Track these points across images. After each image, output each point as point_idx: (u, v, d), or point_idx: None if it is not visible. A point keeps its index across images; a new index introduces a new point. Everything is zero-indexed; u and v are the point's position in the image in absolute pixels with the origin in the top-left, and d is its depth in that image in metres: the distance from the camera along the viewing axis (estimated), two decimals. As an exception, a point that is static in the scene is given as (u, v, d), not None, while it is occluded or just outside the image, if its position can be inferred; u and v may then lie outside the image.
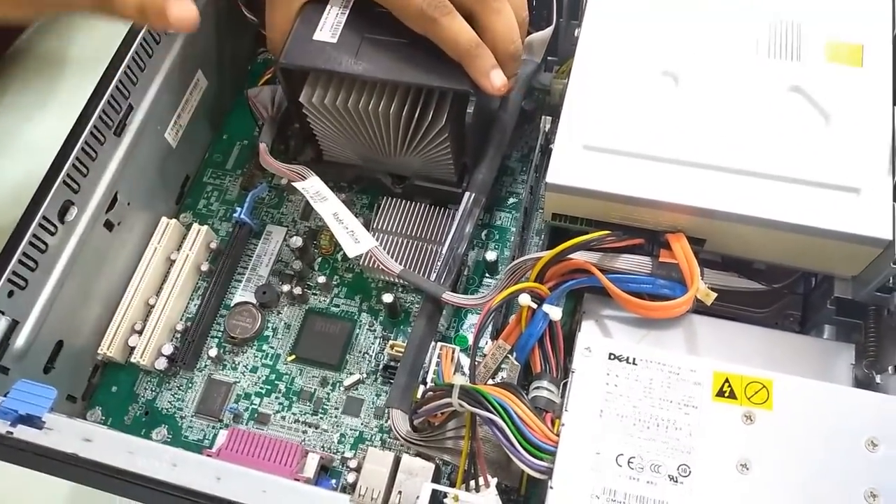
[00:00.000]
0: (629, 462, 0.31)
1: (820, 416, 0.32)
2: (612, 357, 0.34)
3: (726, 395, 0.33)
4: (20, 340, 0.39)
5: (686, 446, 0.32)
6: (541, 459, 0.32)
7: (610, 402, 0.33)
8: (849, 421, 0.31)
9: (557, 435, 0.33)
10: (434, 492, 0.32)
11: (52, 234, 0.40)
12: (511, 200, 0.50)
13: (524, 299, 0.38)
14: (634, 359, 0.34)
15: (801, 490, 0.30)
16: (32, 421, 0.34)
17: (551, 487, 0.31)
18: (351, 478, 0.41)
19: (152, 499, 0.32)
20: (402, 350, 0.43)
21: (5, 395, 0.35)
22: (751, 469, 0.31)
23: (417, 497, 0.32)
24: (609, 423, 0.32)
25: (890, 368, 0.36)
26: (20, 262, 0.38)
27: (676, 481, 0.31)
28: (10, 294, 0.38)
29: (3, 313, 0.38)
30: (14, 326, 0.39)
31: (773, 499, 0.30)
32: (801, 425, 0.32)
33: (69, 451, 0.33)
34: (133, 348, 0.45)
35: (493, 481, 0.35)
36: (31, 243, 0.39)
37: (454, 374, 0.43)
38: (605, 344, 0.34)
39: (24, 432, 0.34)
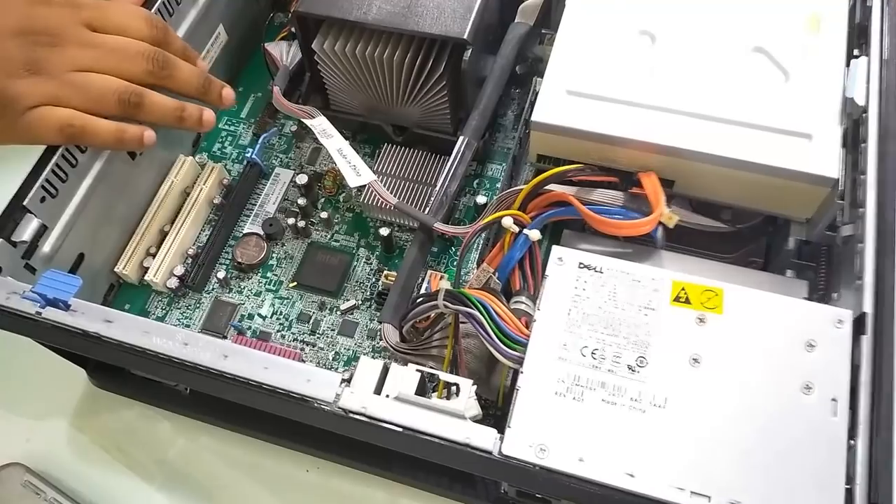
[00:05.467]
0: (592, 353, 0.35)
1: (765, 321, 0.35)
2: (582, 266, 0.38)
3: (682, 300, 0.36)
4: (47, 246, 0.43)
5: (644, 342, 0.35)
6: (514, 350, 0.36)
7: (577, 304, 0.37)
8: (791, 326, 0.35)
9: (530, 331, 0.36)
10: (422, 376, 0.35)
11: (83, 151, 0.44)
12: (502, 154, 0.54)
13: (507, 222, 0.42)
14: (602, 268, 0.38)
15: (746, 382, 0.34)
16: (59, 304, 0.38)
17: (522, 372, 0.35)
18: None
19: (166, 373, 0.36)
20: (395, 278, 0.46)
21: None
22: (701, 363, 0.35)
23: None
24: (575, 320, 0.36)
25: (834, 295, 0.40)
26: (53, 171, 0.42)
27: (634, 370, 0.35)
28: (42, 200, 0.42)
29: (35, 215, 0.42)
30: (43, 231, 0.43)
31: (721, 388, 0.34)
32: (748, 328, 0.35)
33: (92, 330, 0.37)
34: (147, 269, 0.49)
35: (471, 383, 0.39)
36: (63, 156, 0.43)
37: (440, 281, 0.46)
38: (575, 255, 0.38)
39: (51, 313, 0.38)
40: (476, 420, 0.35)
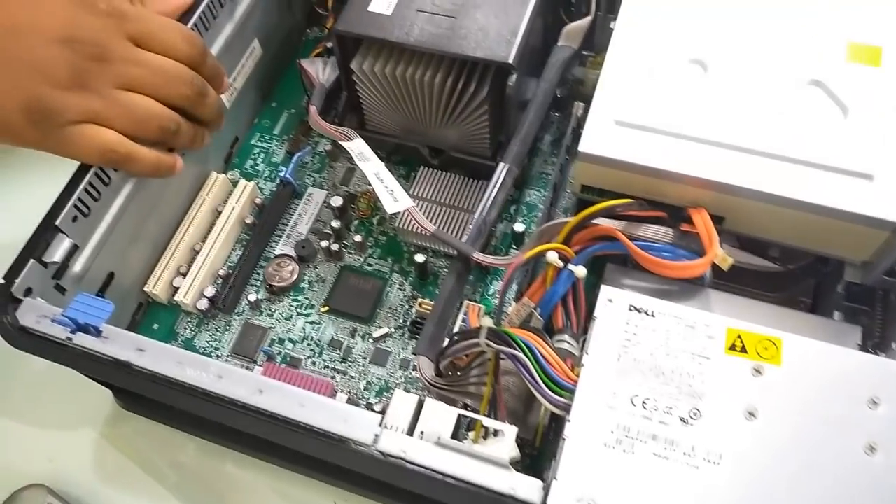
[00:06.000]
0: (643, 403, 0.34)
1: (826, 374, 0.34)
2: (633, 308, 0.36)
3: (738, 349, 0.35)
4: (78, 265, 0.42)
5: (697, 392, 0.34)
6: (560, 396, 0.35)
7: (628, 349, 0.35)
8: (853, 380, 0.33)
9: (577, 376, 0.35)
10: (459, 418, 0.34)
11: (116, 169, 0.43)
12: (540, 180, 0.53)
13: (552, 256, 0.40)
14: (654, 311, 0.36)
15: (804, 438, 0.32)
16: (90, 330, 0.37)
17: (569, 421, 0.33)
18: (374, 421, 0.43)
19: (199, 407, 0.35)
20: (430, 307, 0.45)
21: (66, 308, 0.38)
22: (757, 417, 0.33)
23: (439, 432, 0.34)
24: (626, 366, 0.35)
25: (893, 345, 0.38)
26: (86, 190, 0.41)
27: (686, 423, 0.33)
28: (75, 219, 0.41)
29: (67, 235, 0.41)
30: (74, 250, 0.42)
31: (778, 444, 0.32)
32: (808, 380, 0.34)
33: (123, 358, 0.36)
34: (177, 288, 0.48)
35: (515, 431, 0.37)
36: (97, 175, 0.42)
37: (481, 318, 0.45)
38: (626, 296, 0.37)
39: (82, 339, 0.37)
40: (514, 462, 0.33)
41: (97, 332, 0.37)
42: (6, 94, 0.37)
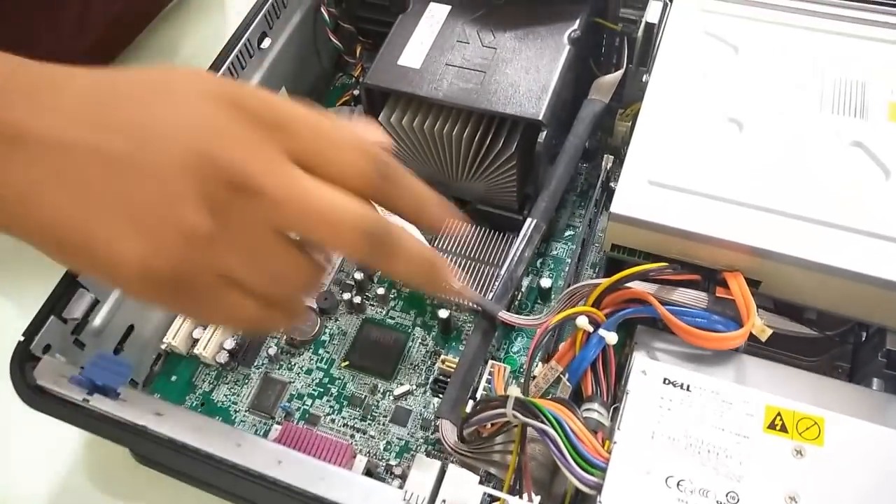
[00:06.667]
0: (678, 484, 0.32)
1: (871, 457, 0.32)
2: (667, 382, 0.35)
3: (778, 427, 0.33)
4: (98, 319, 0.42)
5: (735, 474, 0.32)
6: (591, 474, 0.33)
7: (662, 425, 0.34)
8: (900, 465, 0.32)
9: (609, 452, 0.34)
10: (485, 495, 0.33)
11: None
12: (568, 233, 0.52)
13: (582, 321, 0.39)
14: (689, 385, 0.35)
15: (848, 528, 0.31)
16: (108, 392, 0.36)
17: (600, 502, 0.32)
18: (394, 485, 0.42)
19: (216, 477, 0.34)
20: (453, 365, 0.44)
21: (84, 367, 0.37)
22: (799, 502, 0.31)
23: None
24: (660, 444, 0.33)
25: (940, 421, 0.36)
26: (109, 244, 0.41)
27: (724, 507, 0.31)
28: (97, 273, 0.41)
29: (88, 290, 0.40)
30: (95, 304, 0.41)
31: (821, 533, 0.31)
32: (852, 464, 0.32)
33: (140, 422, 0.35)
34: (196, 340, 0.47)
35: (537, 499, 0.36)
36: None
37: (508, 386, 0.43)
38: (660, 369, 0.35)
39: (99, 401, 0.36)
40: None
41: (115, 395, 0.36)
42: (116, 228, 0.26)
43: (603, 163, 0.51)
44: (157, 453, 0.35)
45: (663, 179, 0.40)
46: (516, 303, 0.49)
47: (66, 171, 0.26)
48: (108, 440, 0.35)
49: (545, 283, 0.48)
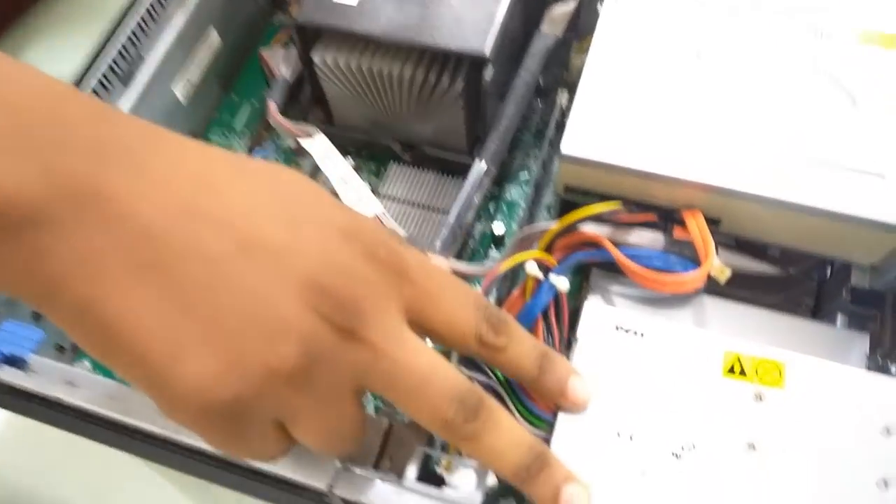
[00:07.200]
0: (630, 436, 0.30)
1: (834, 400, 0.30)
2: (619, 329, 0.33)
3: (736, 372, 0.31)
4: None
5: (692, 422, 0.30)
6: (538, 427, 0.31)
7: (614, 375, 0.32)
8: (864, 406, 0.30)
9: (558, 405, 0.32)
10: (426, 456, 0.31)
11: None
12: (522, 175, 0.49)
13: (531, 267, 0.36)
14: (642, 332, 0.33)
15: (810, 473, 0.29)
16: (16, 362, 0.33)
17: (549, 457, 0.30)
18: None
19: (140, 449, 0.31)
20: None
21: (-12, 337, 0.34)
22: (758, 449, 0.30)
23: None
24: (611, 395, 0.31)
25: (906, 357, 0.35)
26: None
27: (679, 457, 0.30)
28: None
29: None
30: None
31: (781, 480, 0.29)
32: (814, 407, 0.30)
33: (53, 395, 0.32)
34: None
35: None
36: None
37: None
38: (612, 315, 0.33)
39: (6, 373, 0.33)
40: (492, 491, 0.30)
41: (24, 365, 0.33)
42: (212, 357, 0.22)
43: (558, 99, 0.48)
44: (74, 427, 0.32)
45: (617, 116, 0.38)
46: (469, 250, 0.46)
47: (141, 250, 0.21)
48: (20, 415, 0.33)
49: (498, 228, 0.46)
